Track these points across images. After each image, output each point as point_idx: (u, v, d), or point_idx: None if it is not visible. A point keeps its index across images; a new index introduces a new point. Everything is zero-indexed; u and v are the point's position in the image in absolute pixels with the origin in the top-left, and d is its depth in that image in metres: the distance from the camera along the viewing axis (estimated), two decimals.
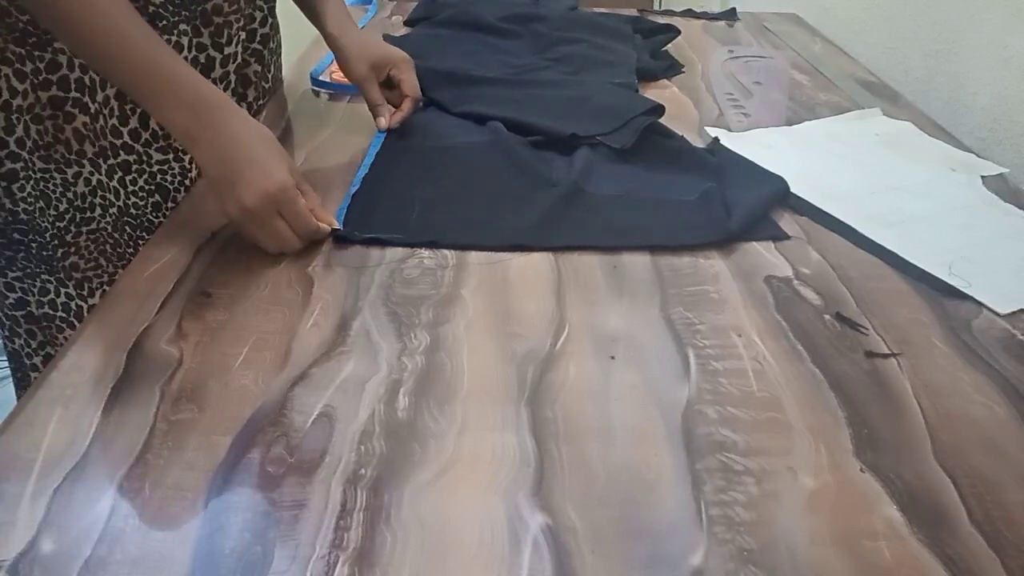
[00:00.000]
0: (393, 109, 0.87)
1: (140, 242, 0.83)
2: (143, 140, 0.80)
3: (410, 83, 0.88)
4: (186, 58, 0.79)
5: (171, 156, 0.82)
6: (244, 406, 0.49)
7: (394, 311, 0.59)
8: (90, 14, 0.63)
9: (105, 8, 0.63)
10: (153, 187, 0.82)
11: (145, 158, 0.81)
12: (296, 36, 1.18)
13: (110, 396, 0.50)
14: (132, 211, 0.82)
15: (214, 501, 0.43)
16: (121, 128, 0.79)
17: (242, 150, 0.64)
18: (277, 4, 0.95)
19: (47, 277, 0.81)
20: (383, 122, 0.85)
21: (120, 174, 0.80)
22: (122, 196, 0.81)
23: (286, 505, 0.42)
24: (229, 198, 0.64)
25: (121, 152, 0.79)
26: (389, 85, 0.88)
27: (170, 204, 0.84)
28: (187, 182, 0.84)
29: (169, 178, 0.83)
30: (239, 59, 0.84)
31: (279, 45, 0.97)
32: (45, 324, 0.84)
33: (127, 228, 0.82)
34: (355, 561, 0.39)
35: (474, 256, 0.66)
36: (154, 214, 0.84)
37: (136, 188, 0.81)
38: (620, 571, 0.39)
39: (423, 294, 0.61)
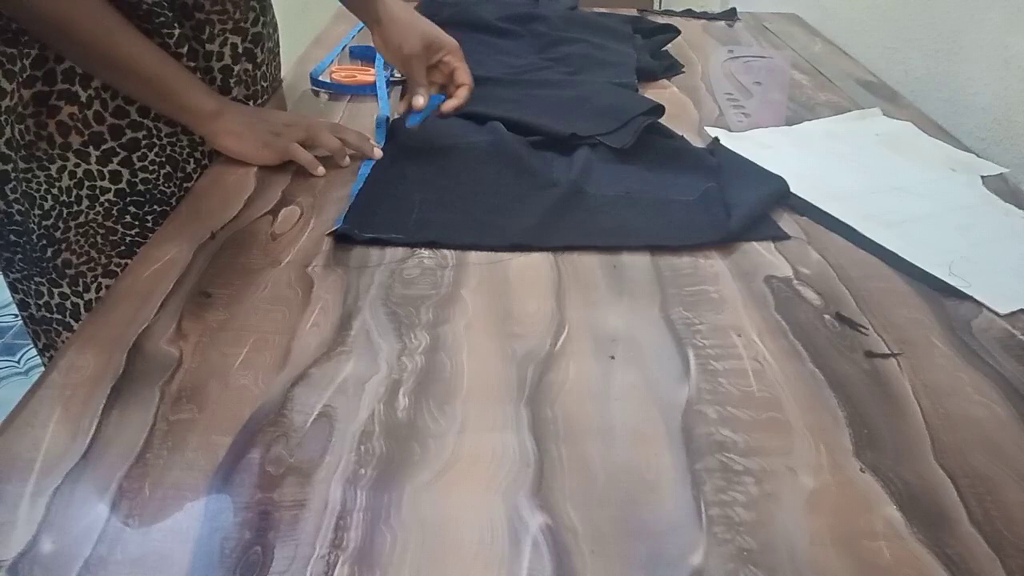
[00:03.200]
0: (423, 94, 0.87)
1: (148, 217, 0.83)
2: (152, 115, 0.79)
3: (464, 71, 0.88)
4: (178, 54, 0.78)
5: (179, 129, 0.82)
6: (244, 406, 0.49)
7: (394, 311, 0.59)
8: (94, 32, 0.69)
9: (107, 26, 0.69)
10: (164, 159, 0.82)
11: (155, 132, 0.80)
12: (296, 36, 1.18)
13: (110, 396, 0.50)
14: (140, 187, 0.81)
15: (214, 501, 0.43)
16: (128, 107, 0.78)
17: (264, 110, 0.81)
18: (277, 4, 0.95)
19: (39, 279, 0.81)
20: (421, 101, 0.85)
21: (124, 154, 0.79)
22: (125, 176, 0.80)
23: (286, 505, 0.42)
24: (273, 130, 0.78)
25: (128, 131, 0.79)
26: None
27: (179, 174, 0.84)
28: (196, 154, 0.84)
29: (178, 150, 0.83)
30: (225, 58, 0.84)
31: (277, 44, 0.97)
32: (45, 327, 0.84)
33: (131, 208, 0.81)
34: (355, 561, 0.39)
35: (474, 256, 0.66)
36: (165, 184, 0.83)
37: (146, 163, 0.81)
38: (620, 571, 0.39)
39: (423, 294, 0.61)
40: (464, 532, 0.41)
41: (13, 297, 0.83)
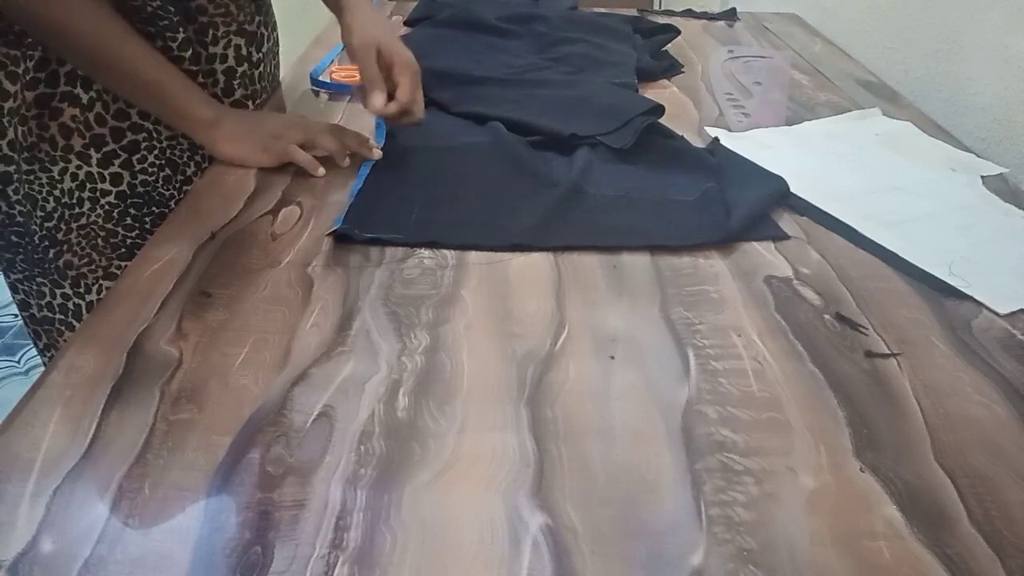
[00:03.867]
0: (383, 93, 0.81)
1: (147, 219, 0.82)
2: (153, 118, 0.79)
3: (405, 88, 0.80)
4: (181, 57, 0.78)
5: (179, 132, 0.82)
6: (244, 406, 0.49)
7: (394, 311, 0.59)
8: (94, 38, 0.69)
9: (109, 33, 0.70)
10: (163, 162, 0.82)
11: (155, 134, 0.80)
12: (296, 36, 1.18)
13: (110, 396, 0.50)
14: (139, 189, 0.81)
15: (214, 501, 0.43)
16: (129, 110, 0.78)
17: (262, 114, 0.81)
18: (277, 4, 0.95)
19: (41, 280, 0.81)
20: (377, 102, 0.78)
21: (125, 156, 0.79)
22: (125, 179, 0.80)
23: (286, 505, 0.42)
24: (272, 134, 0.78)
25: (128, 133, 0.79)
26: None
27: (179, 177, 0.84)
28: (196, 157, 0.84)
29: (178, 153, 0.83)
30: (229, 60, 0.84)
31: (276, 44, 0.97)
32: (47, 327, 0.84)
33: (131, 210, 0.81)
34: (355, 561, 0.39)
35: (474, 256, 0.66)
36: (165, 187, 0.83)
37: (146, 165, 0.81)
38: (620, 571, 0.39)
39: (423, 294, 0.61)
40: (464, 532, 0.41)
41: (14, 297, 0.84)
